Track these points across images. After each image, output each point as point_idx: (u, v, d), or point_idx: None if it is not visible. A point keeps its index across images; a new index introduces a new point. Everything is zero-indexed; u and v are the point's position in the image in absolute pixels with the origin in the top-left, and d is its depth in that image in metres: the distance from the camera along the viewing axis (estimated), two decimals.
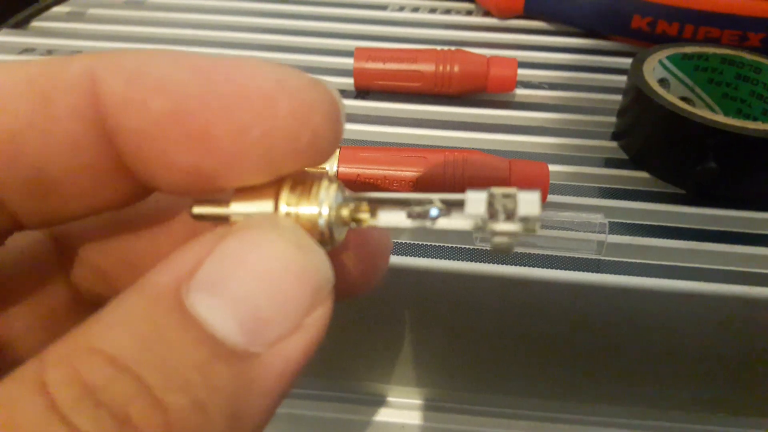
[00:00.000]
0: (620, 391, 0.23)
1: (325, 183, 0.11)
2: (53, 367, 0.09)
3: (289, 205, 0.11)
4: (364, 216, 0.11)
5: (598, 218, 0.20)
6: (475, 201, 0.10)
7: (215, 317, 0.09)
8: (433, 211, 0.11)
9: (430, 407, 0.25)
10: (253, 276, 0.10)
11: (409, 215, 0.11)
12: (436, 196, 0.11)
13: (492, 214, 0.10)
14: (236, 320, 0.09)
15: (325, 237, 0.11)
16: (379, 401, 0.26)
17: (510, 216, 0.10)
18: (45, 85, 0.10)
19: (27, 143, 0.10)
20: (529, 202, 0.10)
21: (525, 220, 0.10)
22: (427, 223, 0.11)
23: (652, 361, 0.22)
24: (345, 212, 0.11)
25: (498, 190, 0.10)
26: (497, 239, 0.10)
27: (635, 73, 0.25)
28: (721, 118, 0.22)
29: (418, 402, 0.25)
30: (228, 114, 0.10)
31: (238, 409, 0.09)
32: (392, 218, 0.11)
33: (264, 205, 0.11)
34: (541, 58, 0.31)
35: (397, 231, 0.11)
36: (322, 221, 0.10)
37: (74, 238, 0.13)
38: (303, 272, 0.10)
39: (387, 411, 0.26)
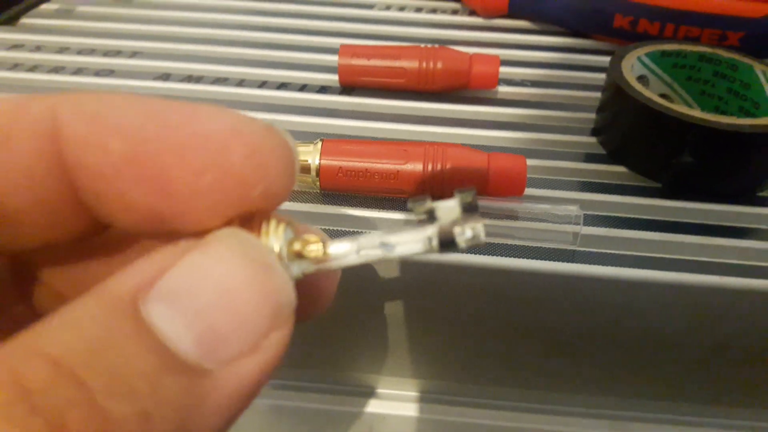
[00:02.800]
0: (597, 380, 0.24)
1: (273, 222, 0.11)
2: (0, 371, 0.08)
3: None
4: (315, 249, 0.11)
5: (573, 210, 0.21)
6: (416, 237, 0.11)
7: (170, 328, 0.09)
8: (385, 244, 0.11)
9: (412, 398, 0.26)
10: (214, 291, 0.09)
11: (358, 250, 0.11)
12: (379, 235, 0.12)
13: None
14: (192, 333, 0.09)
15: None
16: (367, 392, 0.26)
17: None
18: (5, 123, 0.11)
19: None
20: (465, 194, 0.11)
21: (466, 206, 0.11)
22: (381, 254, 0.12)
23: (628, 349, 0.22)
24: (296, 246, 0.11)
25: (438, 203, 0.11)
26: (460, 241, 0.11)
27: (614, 69, 0.25)
28: (696, 113, 0.22)
29: (400, 392, 0.26)
30: (182, 158, 0.10)
31: (185, 424, 0.09)
32: (342, 251, 0.11)
33: None
34: (524, 56, 0.32)
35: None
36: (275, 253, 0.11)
37: (31, 262, 0.13)
38: (265, 292, 0.10)
39: (374, 402, 0.26)
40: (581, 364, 0.23)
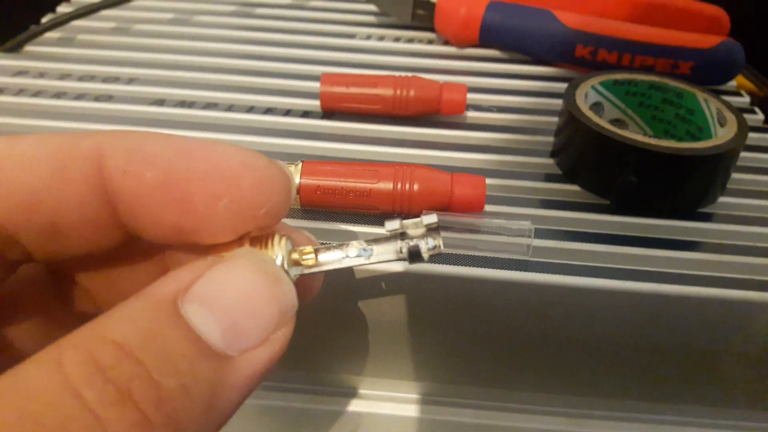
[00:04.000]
0: (551, 379, 0.26)
1: (277, 237, 0.15)
2: (70, 350, 0.11)
3: None
4: (309, 258, 0.15)
5: (526, 224, 0.23)
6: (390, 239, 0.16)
7: (203, 324, 0.12)
8: (364, 252, 0.16)
9: (394, 398, 0.28)
10: (236, 295, 0.13)
11: (346, 257, 0.16)
12: (359, 245, 0.16)
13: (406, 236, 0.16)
14: (219, 328, 0.12)
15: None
16: (351, 393, 0.28)
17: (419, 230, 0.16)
18: (62, 155, 0.14)
19: (44, 199, 0.13)
20: (429, 217, 0.16)
21: (430, 227, 0.16)
22: (362, 261, 0.16)
23: (575, 351, 0.25)
24: (295, 256, 0.15)
25: (407, 221, 0.16)
26: (424, 252, 0.16)
27: (568, 97, 0.28)
28: (638, 137, 0.25)
29: (383, 393, 0.28)
30: (204, 186, 0.13)
31: (213, 396, 0.12)
32: (331, 258, 0.16)
33: None
34: (492, 83, 0.35)
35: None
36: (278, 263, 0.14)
37: (70, 270, 0.16)
38: (274, 297, 0.13)
39: (358, 402, 0.28)
40: (535, 364, 0.25)
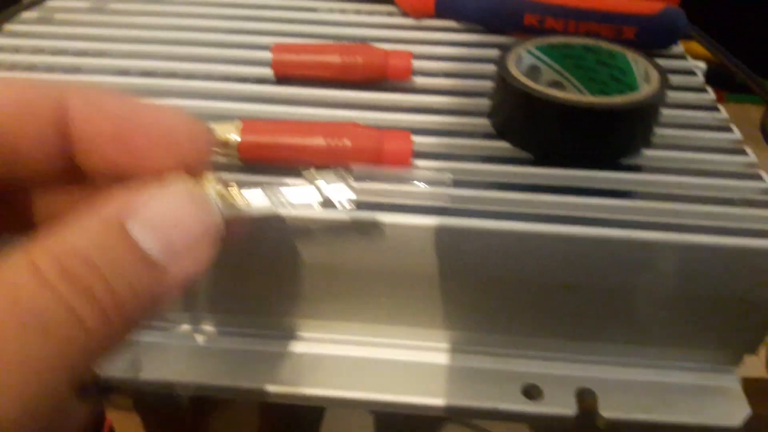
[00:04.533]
0: (472, 317, 0.28)
1: (209, 176, 0.18)
2: (40, 254, 0.14)
3: None
4: (235, 194, 0.18)
5: (446, 174, 0.25)
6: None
7: (146, 241, 0.15)
8: (283, 197, 0.19)
9: (333, 339, 0.30)
10: (171, 218, 0.16)
11: (268, 198, 0.19)
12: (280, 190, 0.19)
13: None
14: (158, 246, 0.15)
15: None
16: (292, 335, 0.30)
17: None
18: (31, 95, 0.17)
19: (11, 129, 0.16)
20: (343, 169, 0.21)
21: (342, 176, 0.21)
22: (282, 201, 0.19)
23: (495, 291, 0.26)
24: (223, 192, 0.18)
25: (324, 171, 0.20)
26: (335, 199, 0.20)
27: (500, 61, 0.29)
28: (556, 93, 0.27)
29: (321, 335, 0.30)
30: (149, 138, 0.17)
31: (154, 295, 0.15)
32: (253, 198, 0.19)
33: None
34: (442, 52, 0.36)
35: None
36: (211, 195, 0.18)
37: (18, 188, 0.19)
38: (202, 221, 0.16)
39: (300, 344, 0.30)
40: (455, 303, 0.27)
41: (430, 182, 0.25)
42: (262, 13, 0.40)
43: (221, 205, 0.18)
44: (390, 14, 0.40)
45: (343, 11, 0.41)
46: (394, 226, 0.25)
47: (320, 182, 0.20)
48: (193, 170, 0.18)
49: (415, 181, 0.25)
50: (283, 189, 0.19)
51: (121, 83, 0.33)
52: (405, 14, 0.40)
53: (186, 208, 0.16)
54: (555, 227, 0.24)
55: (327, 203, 0.20)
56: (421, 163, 0.28)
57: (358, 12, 0.41)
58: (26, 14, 0.39)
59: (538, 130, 0.27)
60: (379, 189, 0.26)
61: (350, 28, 0.38)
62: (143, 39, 0.37)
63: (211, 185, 0.18)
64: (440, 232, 0.24)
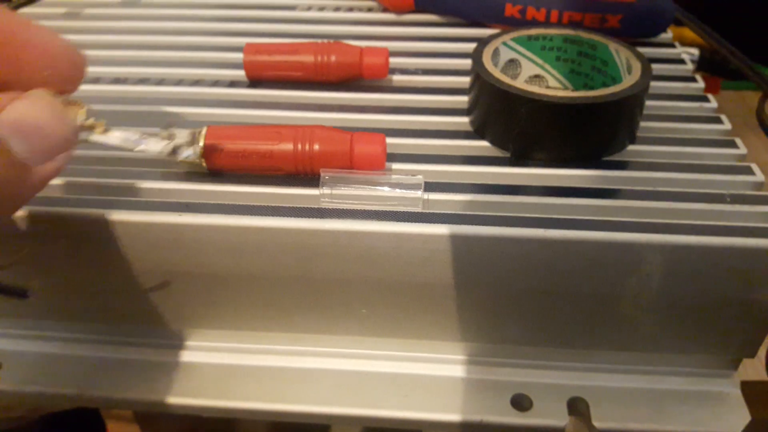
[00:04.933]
0: (458, 327, 0.27)
1: (79, 103, 0.20)
2: None
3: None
4: (98, 129, 0.21)
5: (417, 178, 0.24)
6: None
7: (13, 143, 0.17)
8: (140, 140, 0.22)
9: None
10: (35, 124, 0.18)
11: (126, 138, 0.21)
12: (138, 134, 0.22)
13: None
14: (24, 147, 0.17)
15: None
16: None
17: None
18: None
19: None
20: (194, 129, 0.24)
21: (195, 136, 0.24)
22: (134, 145, 0.22)
23: (479, 298, 0.25)
24: (88, 122, 0.20)
25: (180, 130, 0.24)
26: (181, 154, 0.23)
27: (476, 55, 0.28)
28: (532, 88, 0.25)
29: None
30: (37, 58, 0.19)
31: (21, 190, 0.19)
32: (113, 134, 0.21)
33: None
34: (422, 47, 0.35)
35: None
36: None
37: None
38: (61, 130, 0.18)
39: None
40: (436, 312, 0.26)
41: (402, 187, 0.24)
42: (238, 12, 0.39)
43: (79, 124, 0.20)
44: (370, 10, 0.39)
45: (321, 8, 0.40)
46: (366, 234, 0.23)
47: (174, 137, 0.23)
48: (66, 91, 0.20)
49: (387, 186, 0.24)
50: (142, 138, 0.22)
51: (93, 91, 0.32)
52: (385, 10, 0.39)
53: (47, 116, 0.18)
54: (537, 231, 0.23)
55: (172, 154, 0.23)
56: (396, 166, 0.27)
57: (337, 9, 0.40)
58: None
59: (516, 128, 0.26)
60: (350, 194, 0.25)
61: (329, 26, 0.37)
62: (116, 44, 0.36)
63: (79, 111, 0.20)
64: (414, 239, 0.23)
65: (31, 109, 0.18)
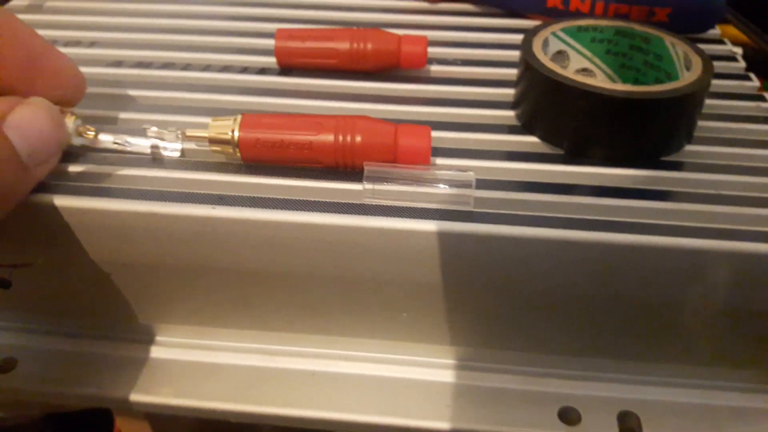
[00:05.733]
0: (498, 334, 0.25)
1: (72, 115, 0.23)
2: None
3: None
4: (90, 134, 0.24)
5: (468, 175, 0.22)
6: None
7: (18, 144, 0.19)
8: (126, 142, 0.25)
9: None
10: (36, 127, 0.20)
11: (115, 142, 0.24)
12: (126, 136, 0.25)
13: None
14: (26, 149, 0.20)
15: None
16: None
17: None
18: None
19: None
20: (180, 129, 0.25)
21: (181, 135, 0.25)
22: (127, 147, 0.25)
23: (525, 307, 0.24)
24: (80, 128, 0.24)
25: (164, 131, 0.25)
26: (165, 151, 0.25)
27: (525, 45, 0.27)
28: (590, 80, 0.24)
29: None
30: (51, 78, 0.23)
31: (19, 187, 0.20)
32: (105, 140, 0.24)
33: None
34: (460, 37, 0.33)
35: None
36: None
37: None
38: (58, 136, 0.21)
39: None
40: (482, 318, 0.25)
41: (451, 183, 0.23)
42: None
43: (73, 131, 0.23)
44: None
45: None
46: (414, 233, 0.22)
47: (159, 137, 0.25)
48: (65, 105, 0.23)
49: (436, 183, 0.23)
50: (128, 137, 0.25)
51: (115, 75, 0.30)
52: None
53: (48, 123, 0.21)
54: (591, 234, 0.22)
55: (157, 152, 0.25)
56: (440, 161, 0.25)
57: None
58: (15, 2, 0.37)
59: (570, 124, 0.25)
60: (396, 190, 0.23)
61: (361, 13, 0.36)
62: (137, 27, 0.34)
63: (72, 118, 0.23)
64: (464, 239, 0.22)
65: (34, 115, 0.20)
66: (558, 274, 0.23)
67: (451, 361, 0.26)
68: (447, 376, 0.26)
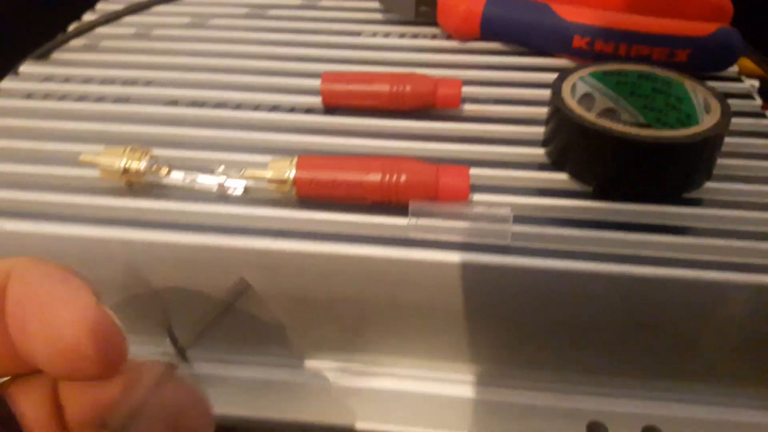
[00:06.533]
0: (535, 357, 0.27)
1: (146, 151, 0.27)
2: None
3: None
4: (162, 172, 0.27)
5: (505, 211, 0.25)
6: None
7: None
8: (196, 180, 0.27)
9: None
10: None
11: (184, 179, 0.27)
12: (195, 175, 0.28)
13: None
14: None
15: None
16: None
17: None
18: None
19: None
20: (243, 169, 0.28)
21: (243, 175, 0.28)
22: (195, 186, 0.27)
23: (556, 331, 0.26)
24: (154, 168, 0.27)
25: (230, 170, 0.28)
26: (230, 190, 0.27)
27: (555, 90, 0.29)
28: (617, 126, 0.26)
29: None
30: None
31: None
32: (176, 177, 0.27)
33: None
34: (491, 76, 0.36)
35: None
36: None
37: None
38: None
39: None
40: (515, 340, 0.27)
41: (490, 219, 0.25)
42: (305, 38, 0.40)
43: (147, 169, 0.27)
44: (434, 37, 0.40)
45: (387, 35, 0.40)
46: (456, 265, 0.24)
47: (223, 175, 0.27)
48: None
49: (475, 219, 0.25)
50: (198, 176, 0.27)
51: (171, 114, 0.33)
52: (449, 37, 0.40)
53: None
54: (619, 267, 0.24)
55: (222, 189, 0.27)
56: (476, 197, 0.27)
57: (402, 35, 0.40)
58: (74, 42, 0.40)
59: (598, 164, 0.27)
60: (439, 226, 0.25)
61: (395, 53, 0.38)
62: (190, 66, 0.37)
63: (147, 157, 0.27)
64: (502, 271, 0.24)
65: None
66: (587, 303, 0.25)
67: (486, 379, 0.28)
68: (483, 393, 0.28)
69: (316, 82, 0.35)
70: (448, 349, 0.27)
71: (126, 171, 0.27)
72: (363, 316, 0.27)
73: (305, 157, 0.27)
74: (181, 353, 0.17)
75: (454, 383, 0.28)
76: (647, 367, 0.27)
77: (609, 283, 0.24)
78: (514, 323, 0.26)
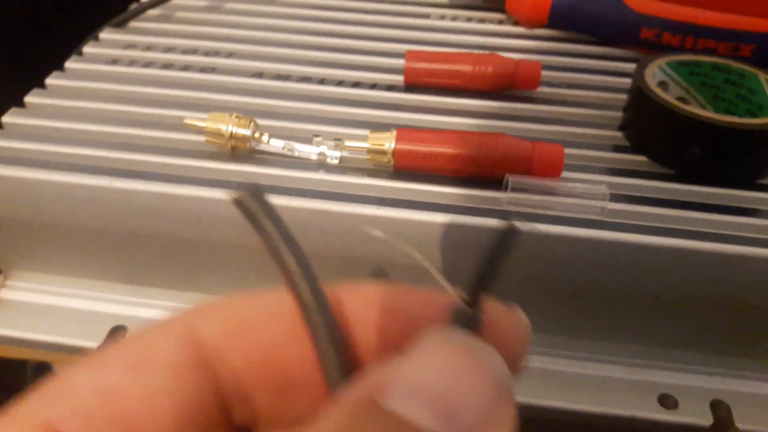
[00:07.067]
0: (617, 329, 0.29)
1: (250, 119, 0.28)
2: None
3: None
4: (264, 139, 0.28)
5: (602, 188, 0.26)
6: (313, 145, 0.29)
7: (413, 413, 0.11)
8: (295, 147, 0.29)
9: None
10: (444, 380, 0.11)
11: (284, 147, 0.29)
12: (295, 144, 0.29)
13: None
14: (434, 413, 0.11)
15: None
16: None
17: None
18: (144, 350, 0.13)
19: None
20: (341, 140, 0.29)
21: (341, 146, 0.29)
22: (295, 153, 0.29)
23: (645, 304, 0.27)
24: (257, 135, 0.29)
25: (329, 141, 0.29)
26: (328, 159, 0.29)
27: (638, 75, 0.30)
28: (703, 112, 0.27)
29: None
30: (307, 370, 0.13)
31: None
32: (276, 145, 0.29)
33: None
34: (561, 62, 0.37)
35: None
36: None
37: None
38: (484, 370, 0.12)
39: None
40: (603, 315, 0.28)
41: (585, 195, 0.26)
42: (376, 18, 0.41)
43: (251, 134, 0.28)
44: (500, 22, 0.41)
45: (454, 18, 0.42)
46: (553, 238, 0.26)
47: (321, 145, 0.28)
48: None
49: (572, 194, 0.26)
50: (296, 144, 0.28)
51: (257, 85, 0.34)
52: (515, 23, 0.41)
53: (458, 360, 0.12)
54: (706, 244, 0.25)
55: (321, 158, 0.29)
56: (564, 174, 0.29)
57: (469, 20, 0.42)
58: (150, 12, 0.41)
59: (680, 147, 0.28)
60: (535, 199, 0.27)
61: (461, 36, 0.39)
62: (269, 41, 0.38)
63: (251, 123, 0.28)
64: (598, 245, 0.25)
65: (428, 362, 0.12)
66: (675, 279, 0.26)
67: (567, 352, 0.30)
68: (563, 365, 0.30)
69: (393, 61, 0.36)
70: (536, 320, 0.29)
71: (232, 136, 0.28)
72: None
73: (404, 130, 0.28)
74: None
75: (534, 354, 0.30)
76: (718, 343, 0.28)
77: (695, 259, 0.25)
78: (594, 296, 0.28)
